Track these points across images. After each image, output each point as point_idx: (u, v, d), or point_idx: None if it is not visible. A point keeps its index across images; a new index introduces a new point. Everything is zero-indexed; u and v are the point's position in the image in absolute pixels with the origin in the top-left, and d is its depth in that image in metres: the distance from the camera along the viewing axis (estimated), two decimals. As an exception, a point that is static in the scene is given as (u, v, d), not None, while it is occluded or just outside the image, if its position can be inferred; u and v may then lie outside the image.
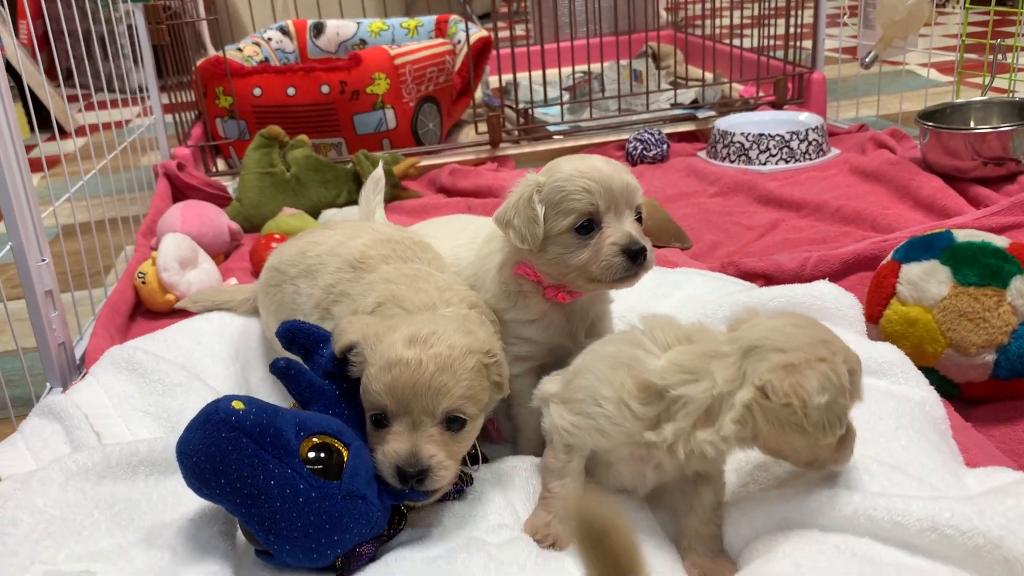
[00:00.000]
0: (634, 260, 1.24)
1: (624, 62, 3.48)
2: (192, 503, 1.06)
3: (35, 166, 2.87)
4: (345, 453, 1.02)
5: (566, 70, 3.47)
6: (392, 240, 1.35)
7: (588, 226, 1.25)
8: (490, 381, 1.12)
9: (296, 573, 1.02)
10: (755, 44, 3.25)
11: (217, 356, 1.51)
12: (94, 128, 2.88)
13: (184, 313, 1.80)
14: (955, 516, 0.96)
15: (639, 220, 1.30)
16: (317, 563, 1.00)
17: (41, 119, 3.34)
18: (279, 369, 1.11)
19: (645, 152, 2.90)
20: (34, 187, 1.71)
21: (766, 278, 1.89)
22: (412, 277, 1.25)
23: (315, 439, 1.01)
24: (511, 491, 1.22)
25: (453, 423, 1.08)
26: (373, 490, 1.04)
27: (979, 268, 1.45)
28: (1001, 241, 1.50)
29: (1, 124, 1.60)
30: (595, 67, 3.44)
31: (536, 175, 1.30)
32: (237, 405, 0.95)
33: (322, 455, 1.01)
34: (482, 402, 1.12)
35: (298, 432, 1.00)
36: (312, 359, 1.17)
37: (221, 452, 0.94)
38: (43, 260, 1.69)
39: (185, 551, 0.97)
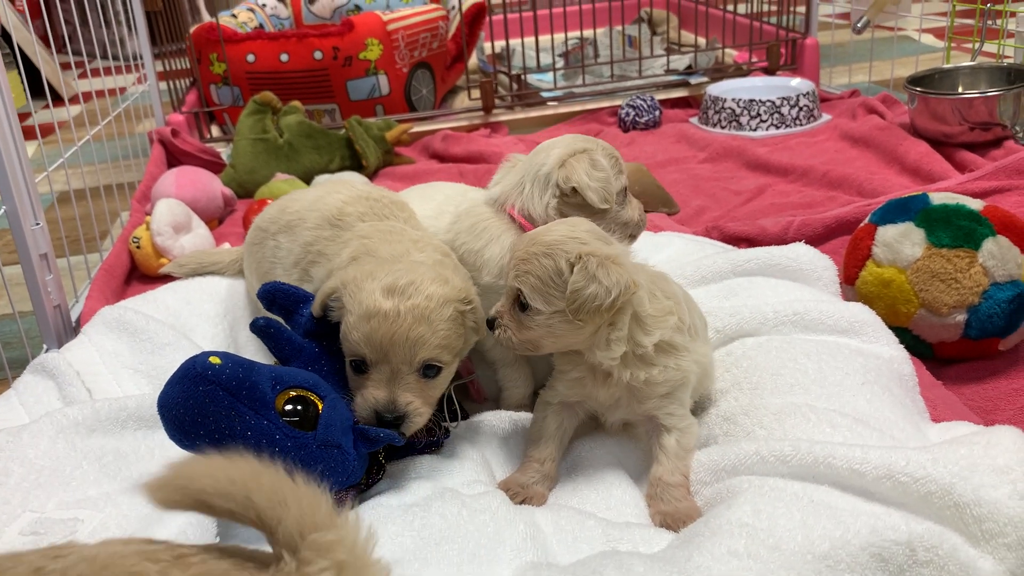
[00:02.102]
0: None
1: (618, 28, 3.48)
2: (178, 454, 1.10)
3: (30, 134, 2.89)
4: (320, 405, 1.06)
5: (560, 36, 3.47)
6: (370, 198, 1.37)
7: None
8: (465, 327, 1.16)
9: (276, 520, 1.06)
10: (750, 9, 3.24)
11: (206, 315, 1.54)
12: (89, 96, 2.90)
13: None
14: (910, 464, 0.99)
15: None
16: (294, 510, 1.04)
17: (36, 87, 3.36)
18: (259, 328, 1.15)
19: (637, 118, 2.91)
20: (27, 152, 1.73)
21: (749, 242, 1.92)
22: (386, 231, 1.28)
23: (291, 392, 1.05)
24: (488, 450, 1.27)
25: (429, 370, 1.12)
26: (349, 440, 1.07)
27: (952, 230, 1.48)
28: (975, 204, 1.53)
29: (-7, 89, 1.62)
30: (589, 33, 3.44)
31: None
32: (214, 360, 0.99)
33: (298, 407, 1.04)
34: (457, 348, 1.16)
35: (274, 386, 1.03)
36: (292, 319, 1.20)
37: (199, 405, 0.97)
38: (37, 224, 1.72)
39: (169, 499, 1.02)
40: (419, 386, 1.11)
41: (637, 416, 1.19)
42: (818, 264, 1.55)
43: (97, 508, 0.98)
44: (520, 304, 1.12)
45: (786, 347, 1.31)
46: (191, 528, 0.98)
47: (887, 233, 1.53)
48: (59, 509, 0.98)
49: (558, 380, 1.20)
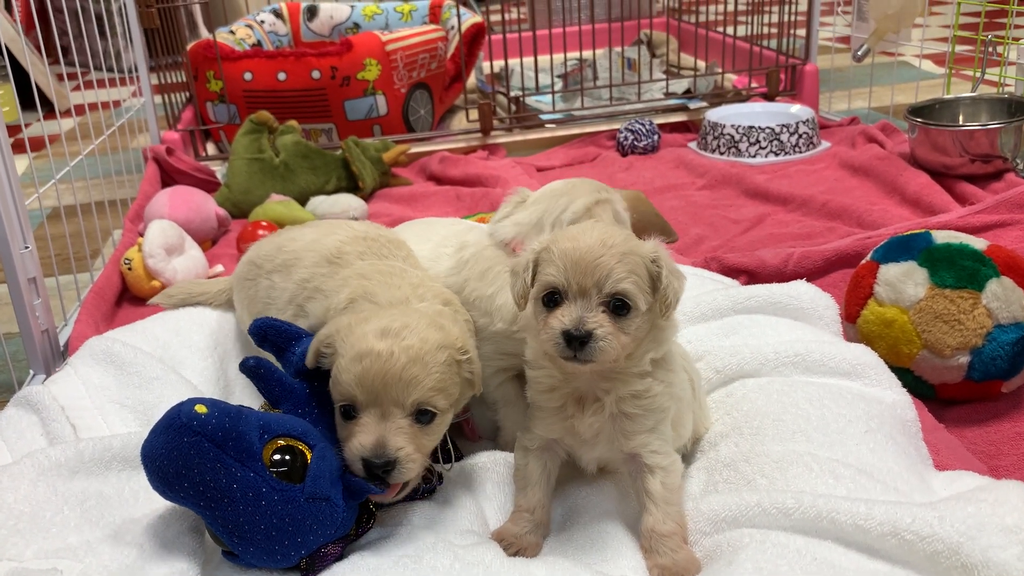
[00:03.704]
0: None
1: (618, 49, 3.46)
2: (162, 500, 1.07)
3: (20, 147, 2.86)
4: (309, 455, 1.03)
5: (559, 57, 3.46)
6: (368, 237, 1.35)
7: None
8: (461, 377, 1.13)
9: (262, 572, 1.03)
10: (749, 32, 3.23)
11: (195, 348, 1.51)
12: (84, 108, 2.87)
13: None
14: (916, 521, 0.97)
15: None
16: (281, 564, 1.01)
17: (28, 98, 3.32)
18: (249, 368, 1.11)
19: (636, 143, 2.89)
20: (17, 172, 1.70)
21: (748, 274, 1.90)
22: (386, 273, 1.25)
23: (279, 441, 1.02)
24: (482, 499, 1.23)
25: (423, 416, 1.08)
26: (338, 491, 1.04)
27: (956, 270, 1.46)
28: (979, 243, 1.51)
29: (-18, 111, 1.59)
30: (588, 54, 3.43)
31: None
32: (200, 409, 0.96)
33: (286, 457, 1.01)
34: (452, 396, 1.12)
35: (262, 434, 1.00)
36: (284, 357, 1.17)
37: (183, 456, 0.94)
38: (26, 248, 1.69)
39: (152, 548, 0.98)
40: (411, 431, 1.07)
41: (618, 455, 1.14)
42: (819, 303, 1.53)
43: (77, 557, 0.94)
44: (618, 308, 1.04)
45: (788, 391, 1.29)
46: (175, 580, 0.94)
47: (889, 272, 1.51)
48: (38, 558, 0.94)
49: (535, 421, 1.16)
